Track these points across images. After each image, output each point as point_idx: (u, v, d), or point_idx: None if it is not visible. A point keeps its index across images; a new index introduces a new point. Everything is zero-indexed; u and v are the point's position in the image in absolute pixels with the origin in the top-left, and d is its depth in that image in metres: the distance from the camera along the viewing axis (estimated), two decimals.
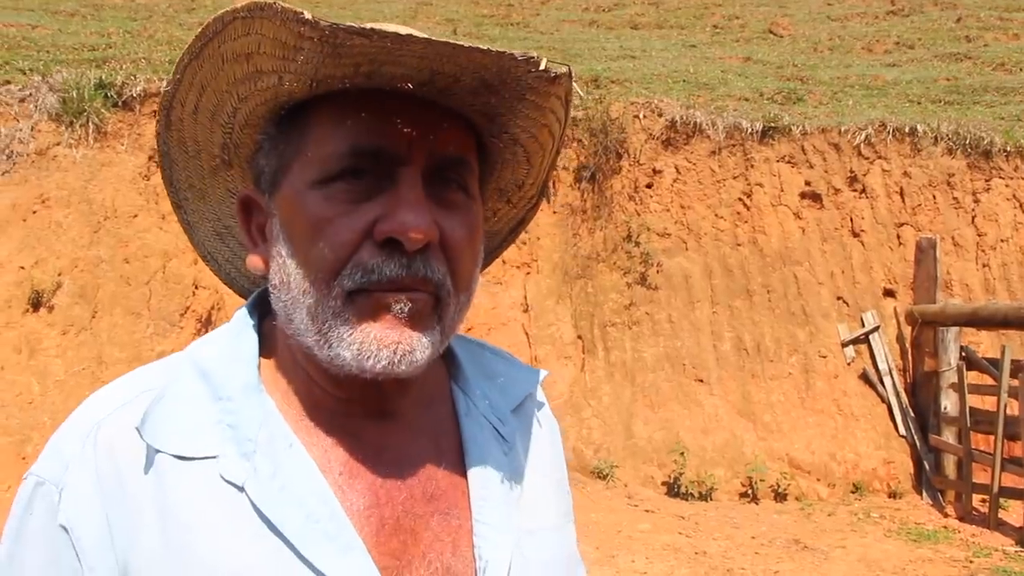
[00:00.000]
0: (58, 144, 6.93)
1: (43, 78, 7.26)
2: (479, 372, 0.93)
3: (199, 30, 0.74)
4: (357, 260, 0.73)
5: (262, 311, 0.85)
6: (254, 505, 0.73)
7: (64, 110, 7.00)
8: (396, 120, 0.74)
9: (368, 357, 0.73)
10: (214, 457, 0.75)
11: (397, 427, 0.84)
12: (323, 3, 13.55)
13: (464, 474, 0.84)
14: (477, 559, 0.80)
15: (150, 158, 7.24)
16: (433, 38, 0.68)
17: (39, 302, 6.32)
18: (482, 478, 0.84)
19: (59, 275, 6.42)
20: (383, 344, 0.73)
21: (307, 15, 0.66)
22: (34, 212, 6.66)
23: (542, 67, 0.71)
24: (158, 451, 0.74)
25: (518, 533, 0.84)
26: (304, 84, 0.73)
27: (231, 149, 0.86)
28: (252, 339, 0.82)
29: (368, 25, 0.66)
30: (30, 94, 7.10)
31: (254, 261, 0.83)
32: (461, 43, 0.68)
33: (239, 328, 0.83)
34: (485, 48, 0.68)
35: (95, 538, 0.72)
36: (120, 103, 7.27)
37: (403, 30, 0.70)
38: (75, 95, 7.08)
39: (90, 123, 7.01)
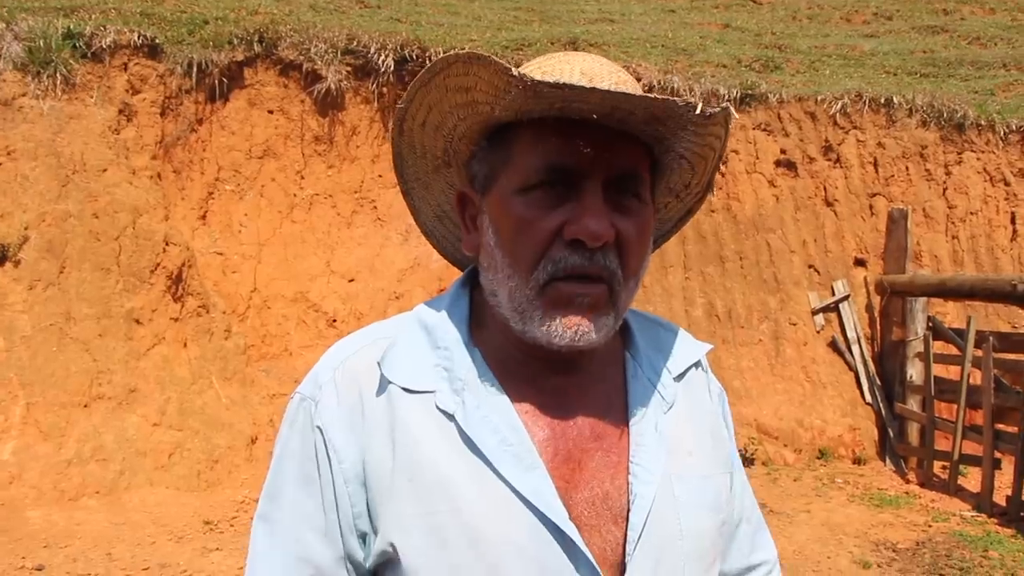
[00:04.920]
0: (24, 95, 6.74)
1: (7, 26, 7.02)
2: (649, 343, 1.12)
3: (430, 64, 0.95)
4: (550, 255, 0.94)
5: (473, 282, 1.08)
6: (460, 429, 0.95)
7: (31, 60, 6.78)
8: (581, 143, 0.92)
9: (555, 337, 0.94)
10: (432, 392, 0.98)
11: (576, 380, 1.03)
12: None
13: (627, 423, 1.03)
14: (630, 491, 0.99)
15: (120, 111, 7.08)
16: (612, 89, 0.86)
17: (5, 256, 6.19)
18: (640, 428, 1.03)
19: (26, 229, 6.29)
20: (567, 327, 0.94)
21: (515, 71, 0.86)
22: None
23: (698, 112, 0.90)
24: (390, 382, 0.98)
25: (667, 476, 1.01)
26: (511, 114, 0.95)
27: (451, 154, 1.08)
28: (465, 304, 1.06)
29: (563, 80, 0.86)
30: None
31: (469, 245, 1.06)
32: (633, 94, 0.86)
33: (455, 295, 1.07)
34: (652, 96, 0.87)
35: (342, 436, 0.98)
36: (89, 54, 7.05)
37: (586, 79, 0.92)
38: (42, 44, 6.83)
39: (58, 74, 6.80)
